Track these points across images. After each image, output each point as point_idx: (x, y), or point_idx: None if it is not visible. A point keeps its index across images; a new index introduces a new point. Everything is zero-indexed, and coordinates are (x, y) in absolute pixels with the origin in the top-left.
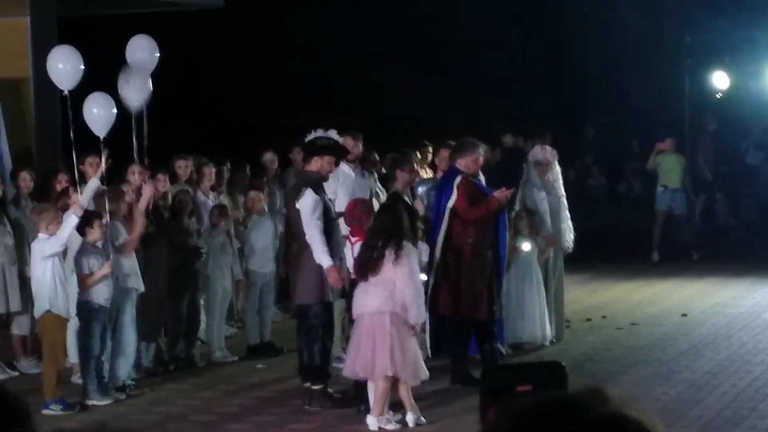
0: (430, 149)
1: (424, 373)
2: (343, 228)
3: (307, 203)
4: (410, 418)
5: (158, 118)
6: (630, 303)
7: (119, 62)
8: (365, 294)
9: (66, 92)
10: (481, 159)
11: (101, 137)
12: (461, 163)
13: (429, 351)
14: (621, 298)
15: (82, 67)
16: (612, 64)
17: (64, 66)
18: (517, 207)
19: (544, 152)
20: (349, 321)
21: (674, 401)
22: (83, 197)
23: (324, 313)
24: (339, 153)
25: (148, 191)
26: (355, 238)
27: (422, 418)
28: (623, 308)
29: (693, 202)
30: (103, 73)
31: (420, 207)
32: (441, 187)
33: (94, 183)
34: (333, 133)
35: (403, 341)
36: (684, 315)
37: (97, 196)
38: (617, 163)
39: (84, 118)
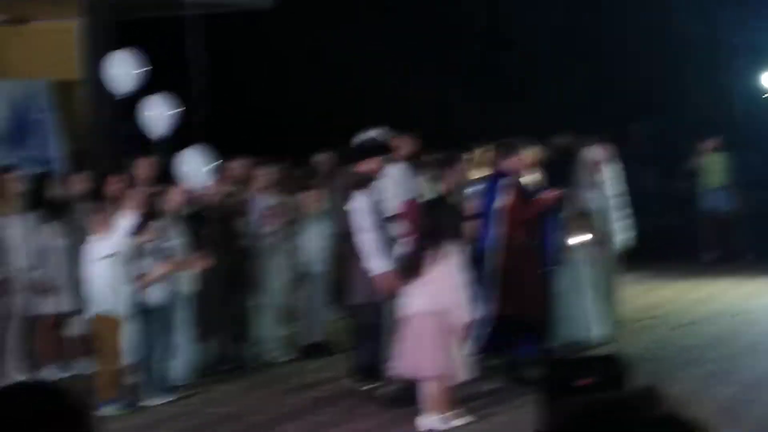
0: (482, 150)
1: (468, 373)
2: (395, 228)
3: (359, 205)
4: (425, 421)
5: (212, 119)
6: (684, 302)
7: (171, 64)
8: (411, 295)
9: (124, 96)
10: (527, 159)
11: (158, 138)
12: (507, 164)
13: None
14: (675, 298)
15: (139, 71)
16: (664, 66)
17: (123, 70)
18: (567, 206)
19: (594, 151)
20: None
21: (728, 401)
22: (118, 234)
23: (378, 313)
24: (388, 152)
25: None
26: (407, 239)
27: (451, 421)
28: (677, 308)
29: (738, 201)
30: (155, 75)
31: (470, 208)
32: (488, 189)
33: (127, 222)
34: (381, 132)
35: (448, 341)
36: (738, 315)
37: (152, 198)
38: (671, 164)
39: (143, 120)
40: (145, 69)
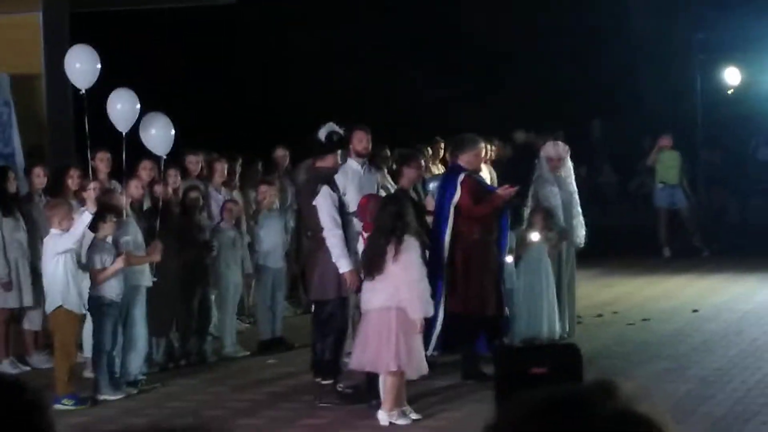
0: (442, 145)
1: (425, 368)
2: (356, 223)
3: (325, 201)
4: (383, 416)
5: (170, 112)
6: (641, 299)
7: (131, 57)
8: (371, 291)
9: (83, 91)
10: (483, 154)
11: (124, 133)
12: (463, 160)
13: (431, 348)
14: (632, 294)
15: (99, 66)
16: (624, 61)
17: (82, 65)
18: (529, 202)
19: (556, 148)
20: (360, 316)
21: (685, 397)
22: (77, 228)
23: (339, 309)
24: (344, 148)
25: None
26: (368, 234)
27: (409, 416)
28: (635, 304)
29: (691, 199)
30: (115, 68)
31: (431, 203)
32: (444, 185)
33: (87, 217)
34: (338, 127)
35: (408, 337)
36: (695, 311)
37: (111, 192)
38: (629, 161)
39: (108, 114)
40: (102, 63)
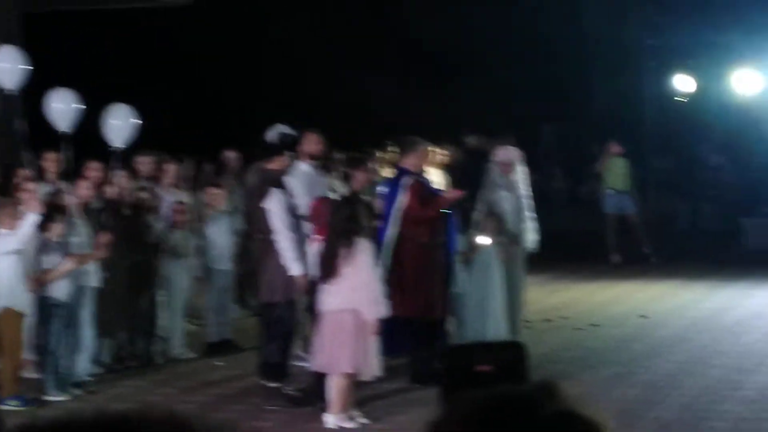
0: (392, 149)
1: (378, 369)
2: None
3: (276, 205)
4: (330, 420)
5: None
6: (590, 304)
7: (83, 57)
8: (327, 293)
9: (13, 90)
10: (427, 157)
11: (64, 132)
12: (407, 163)
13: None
14: (581, 299)
15: (25, 66)
16: (573, 67)
17: (6, 65)
18: (480, 207)
19: (507, 152)
20: (311, 319)
21: (633, 402)
22: (24, 229)
23: (289, 312)
24: (294, 150)
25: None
26: (319, 237)
27: (356, 419)
28: (583, 309)
29: (639, 205)
30: (66, 68)
31: (379, 207)
32: (390, 189)
33: (33, 217)
34: (288, 129)
35: (364, 338)
36: (644, 317)
37: (58, 193)
38: (578, 166)
39: (46, 114)
40: (56, 63)
